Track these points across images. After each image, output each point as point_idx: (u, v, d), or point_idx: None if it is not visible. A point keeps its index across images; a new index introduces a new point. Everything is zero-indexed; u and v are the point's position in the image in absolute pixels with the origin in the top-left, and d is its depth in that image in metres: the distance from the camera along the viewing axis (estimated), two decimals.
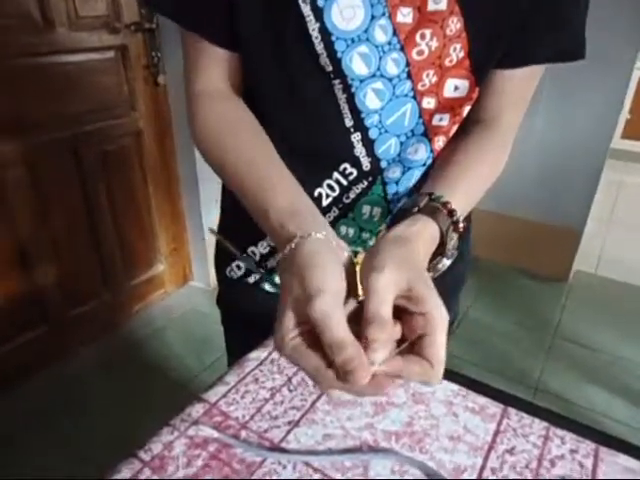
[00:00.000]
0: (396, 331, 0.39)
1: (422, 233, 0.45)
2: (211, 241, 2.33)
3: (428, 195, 0.49)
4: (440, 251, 0.48)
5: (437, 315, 0.38)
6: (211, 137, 0.56)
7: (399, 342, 0.39)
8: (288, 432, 0.48)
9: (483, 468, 0.45)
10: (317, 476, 0.44)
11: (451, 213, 0.48)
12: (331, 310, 0.36)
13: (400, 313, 0.39)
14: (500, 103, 0.59)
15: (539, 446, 0.47)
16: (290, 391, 0.52)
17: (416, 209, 0.47)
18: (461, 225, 0.49)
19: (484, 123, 0.60)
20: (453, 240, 0.48)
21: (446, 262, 0.49)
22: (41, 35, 1.54)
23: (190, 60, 0.58)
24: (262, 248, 0.67)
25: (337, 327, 0.35)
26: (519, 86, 0.59)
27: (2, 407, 1.67)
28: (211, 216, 2.19)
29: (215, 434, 0.46)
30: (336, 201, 0.62)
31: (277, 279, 0.69)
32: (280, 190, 0.48)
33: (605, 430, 0.50)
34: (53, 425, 1.62)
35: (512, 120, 0.60)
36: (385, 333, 0.37)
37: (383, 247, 0.42)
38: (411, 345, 0.38)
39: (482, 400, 0.52)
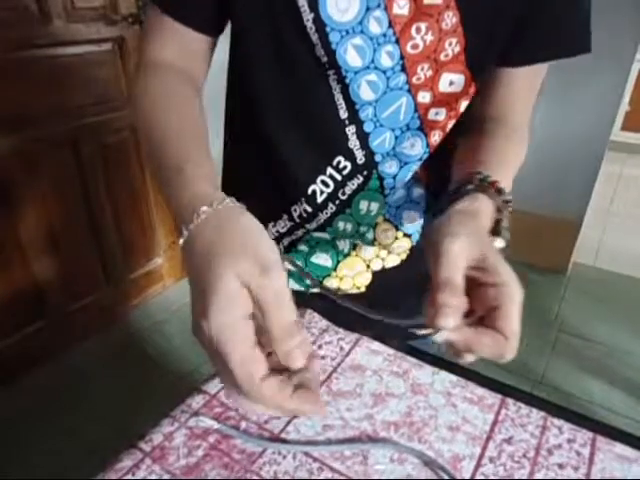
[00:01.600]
0: (463, 302, 0.38)
1: (485, 210, 0.45)
2: None
3: (476, 174, 0.48)
4: (492, 231, 0.47)
5: (513, 286, 0.37)
6: (144, 109, 0.54)
7: (466, 315, 0.38)
8: (288, 423, 0.48)
9: (481, 457, 0.45)
10: (317, 465, 0.44)
11: (499, 192, 0.47)
12: (285, 286, 0.34)
13: (469, 285, 0.38)
14: (511, 99, 0.60)
15: (537, 436, 0.47)
16: None
17: (472, 186, 0.47)
18: (510, 205, 0.48)
19: (497, 120, 0.60)
20: (505, 220, 0.47)
21: (500, 243, 0.47)
22: (38, 27, 1.53)
23: (149, 32, 0.57)
24: None
25: (290, 308, 0.34)
26: (528, 81, 0.59)
27: (3, 401, 1.68)
28: None
29: (215, 425, 0.47)
30: (332, 197, 0.62)
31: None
32: (200, 163, 0.45)
33: (603, 421, 0.50)
34: (54, 418, 1.63)
35: (524, 114, 0.61)
36: (457, 299, 0.36)
37: (454, 217, 0.41)
38: (480, 319, 0.38)
39: (480, 391, 0.52)
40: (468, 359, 0.39)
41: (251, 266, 0.33)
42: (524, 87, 0.59)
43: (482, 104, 0.60)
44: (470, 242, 0.38)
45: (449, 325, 0.35)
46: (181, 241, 0.38)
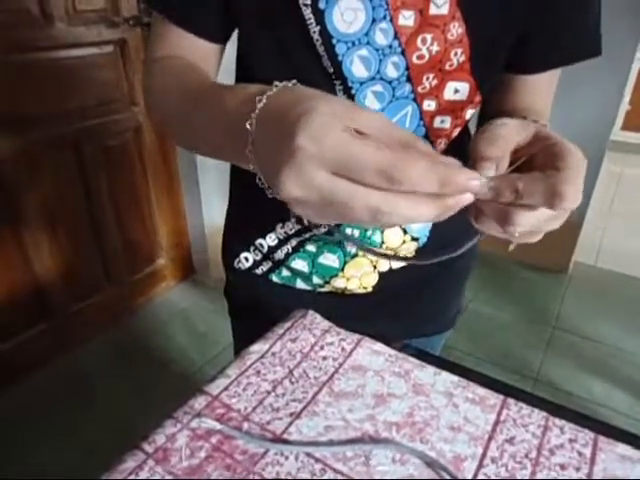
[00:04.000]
0: (506, 157, 0.36)
1: None
2: (213, 234, 2.32)
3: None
4: None
5: (571, 146, 0.35)
6: (158, 93, 0.53)
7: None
8: (290, 424, 0.48)
9: (483, 458, 0.45)
10: (319, 466, 0.44)
11: None
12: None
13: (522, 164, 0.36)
14: (530, 101, 0.60)
15: (538, 436, 0.47)
16: (292, 383, 0.53)
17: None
18: None
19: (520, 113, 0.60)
20: None
21: None
22: (40, 30, 1.54)
23: (154, 39, 0.57)
24: (270, 240, 0.67)
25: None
26: (544, 86, 0.60)
27: (7, 401, 1.68)
28: (212, 210, 2.19)
29: (217, 426, 0.47)
30: None
31: (285, 271, 0.69)
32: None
33: (605, 420, 0.50)
34: (56, 418, 1.63)
35: (544, 115, 0.61)
36: (495, 151, 0.34)
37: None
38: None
39: (482, 391, 0.52)
40: (517, 217, 0.35)
41: (341, 105, 0.32)
42: (541, 91, 0.60)
43: (501, 107, 0.60)
44: (523, 124, 0.37)
45: (488, 173, 0.33)
46: (254, 114, 0.35)
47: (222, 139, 0.41)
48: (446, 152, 0.60)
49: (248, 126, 0.35)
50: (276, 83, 0.36)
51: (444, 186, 0.30)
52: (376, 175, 0.29)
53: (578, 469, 0.44)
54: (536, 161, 0.36)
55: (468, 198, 0.32)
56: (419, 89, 0.55)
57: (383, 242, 0.64)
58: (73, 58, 1.64)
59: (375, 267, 0.67)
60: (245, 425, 0.48)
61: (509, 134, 0.37)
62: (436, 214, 0.31)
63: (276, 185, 0.32)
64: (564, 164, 0.34)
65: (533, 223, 0.36)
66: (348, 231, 0.63)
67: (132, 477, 0.42)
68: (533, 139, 0.37)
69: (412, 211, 0.30)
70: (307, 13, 0.49)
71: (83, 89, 1.70)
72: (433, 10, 0.49)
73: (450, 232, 0.69)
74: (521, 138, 0.37)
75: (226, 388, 0.52)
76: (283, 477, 0.43)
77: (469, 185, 0.30)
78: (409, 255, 0.67)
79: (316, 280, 0.68)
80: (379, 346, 0.58)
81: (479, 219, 0.39)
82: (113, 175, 1.89)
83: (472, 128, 0.66)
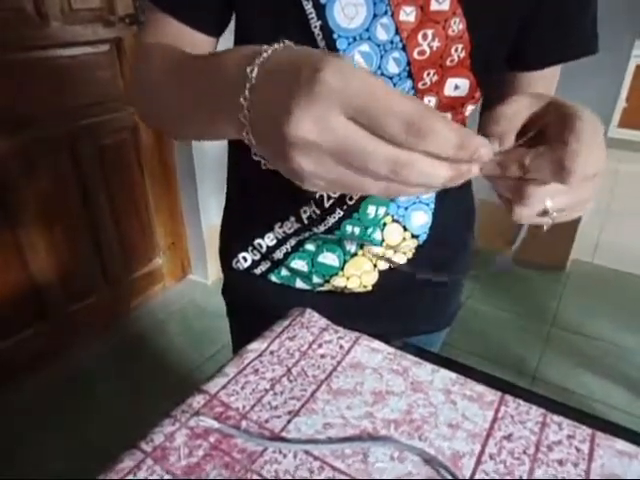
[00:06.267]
0: (511, 130, 0.35)
1: None
2: (211, 233, 2.32)
3: None
4: None
5: (585, 113, 0.34)
6: (144, 69, 0.51)
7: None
8: (288, 422, 0.48)
9: (481, 454, 0.45)
10: (317, 464, 0.44)
11: None
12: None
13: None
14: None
15: (536, 432, 0.47)
16: (290, 381, 0.53)
17: None
18: None
19: None
20: None
21: None
22: (35, 29, 1.53)
23: (146, 30, 0.56)
24: (269, 240, 0.67)
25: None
26: (545, 84, 0.60)
27: (5, 401, 1.68)
28: (209, 209, 2.19)
29: (216, 424, 0.47)
30: (340, 202, 0.61)
31: (284, 271, 0.69)
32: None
33: (602, 417, 0.50)
34: (55, 419, 1.63)
35: None
36: (497, 129, 0.34)
37: None
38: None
39: (480, 388, 0.53)
40: (529, 191, 0.34)
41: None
42: (541, 88, 0.60)
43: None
44: (537, 96, 0.36)
45: (494, 149, 0.32)
46: (258, 60, 0.32)
47: (215, 95, 0.37)
48: None
49: (249, 71, 0.32)
50: (275, 45, 0.33)
51: (461, 149, 0.29)
52: (401, 124, 0.28)
53: (576, 465, 0.44)
54: (549, 132, 0.35)
55: (475, 170, 0.31)
56: (420, 85, 0.55)
57: (383, 240, 0.64)
58: (69, 57, 1.64)
59: (375, 266, 0.67)
60: (243, 423, 0.48)
61: (517, 111, 0.36)
62: (450, 176, 0.30)
63: (285, 124, 0.28)
64: (572, 136, 0.32)
65: (559, 199, 0.35)
66: (349, 229, 0.63)
67: (130, 476, 0.42)
68: (546, 109, 0.36)
69: (431, 168, 0.29)
70: (308, 7, 0.49)
71: (79, 88, 1.70)
72: (434, 6, 0.50)
73: (449, 231, 0.69)
74: (534, 110, 0.36)
75: (224, 387, 0.52)
76: (282, 475, 0.43)
77: (480, 152, 0.29)
78: (410, 253, 0.67)
79: (316, 279, 0.68)
80: (377, 344, 0.58)
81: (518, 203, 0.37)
82: (110, 174, 1.88)
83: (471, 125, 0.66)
